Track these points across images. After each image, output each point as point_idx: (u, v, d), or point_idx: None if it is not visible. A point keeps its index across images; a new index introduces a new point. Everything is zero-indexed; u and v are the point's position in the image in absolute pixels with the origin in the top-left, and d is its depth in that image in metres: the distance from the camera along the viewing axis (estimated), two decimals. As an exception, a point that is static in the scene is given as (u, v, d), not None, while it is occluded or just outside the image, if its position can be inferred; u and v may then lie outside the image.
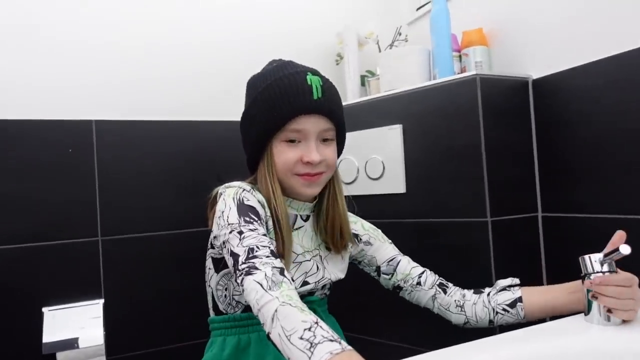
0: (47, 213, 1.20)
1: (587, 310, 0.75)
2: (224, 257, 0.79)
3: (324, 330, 0.58)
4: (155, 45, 1.38)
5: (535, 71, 1.16)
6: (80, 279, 1.22)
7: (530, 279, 1.12)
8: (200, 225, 1.36)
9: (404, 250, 0.97)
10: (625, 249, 0.66)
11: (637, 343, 0.67)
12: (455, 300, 0.90)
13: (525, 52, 1.20)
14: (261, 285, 0.64)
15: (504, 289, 0.89)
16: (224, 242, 0.74)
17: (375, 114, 1.25)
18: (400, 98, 1.21)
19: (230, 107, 1.45)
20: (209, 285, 0.88)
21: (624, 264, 0.73)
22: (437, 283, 0.93)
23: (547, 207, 1.14)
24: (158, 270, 1.31)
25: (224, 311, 0.85)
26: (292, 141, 0.81)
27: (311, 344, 0.56)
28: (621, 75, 0.96)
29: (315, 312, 0.87)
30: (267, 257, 0.69)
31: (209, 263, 0.87)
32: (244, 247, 0.70)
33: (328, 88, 0.83)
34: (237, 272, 0.68)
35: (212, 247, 0.85)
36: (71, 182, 1.23)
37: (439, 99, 1.13)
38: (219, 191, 0.83)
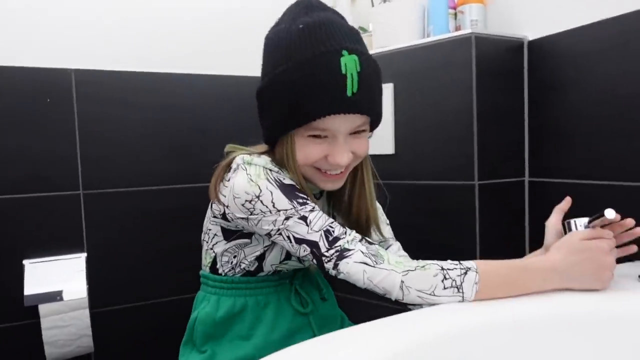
0: (26, 164, 1.16)
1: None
2: (239, 230, 0.76)
3: (452, 268, 0.64)
4: (138, -9, 1.32)
5: (532, 32, 1.12)
6: (62, 233, 1.20)
7: (513, 243, 1.13)
8: (186, 182, 1.35)
9: (392, 212, 0.97)
10: (610, 214, 0.66)
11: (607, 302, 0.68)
12: None
13: (522, 12, 1.16)
14: (366, 264, 0.64)
15: None
16: (276, 230, 0.68)
17: (366, 71, 1.22)
18: (392, 56, 1.17)
19: (217, 61, 1.41)
20: (211, 249, 0.82)
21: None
22: None
23: (534, 172, 1.13)
24: (142, 226, 1.30)
25: (223, 274, 0.81)
26: (317, 136, 0.71)
27: (457, 288, 0.63)
28: (619, 39, 0.93)
29: (314, 277, 0.87)
30: (345, 233, 0.67)
31: (215, 230, 0.80)
32: (317, 232, 0.66)
33: (366, 75, 0.68)
34: (324, 258, 0.66)
35: (225, 219, 0.77)
36: (50, 133, 1.19)
37: (433, 57, 1.10)
38: (238, 164, 0.72)
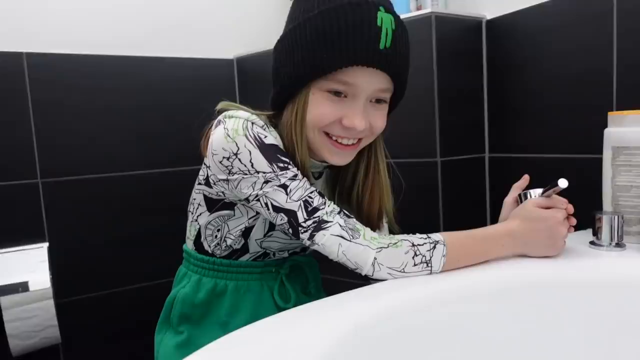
0: (-21, 154, 1.12)
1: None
2: (221, 199, 0.73)
3: (422, 243, 0.65)
4: (91, -30, 1.27)
5: (490, 11, 1.15)
6: (22, 223, 1.17)
7: (475, 217, 1.17)
8: (149, 168, 1.32)
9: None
10: (563, 183, 0.69)
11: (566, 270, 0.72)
12: None
13: (481, -9, 1.18)
14: (343, 237, 0.64)
15: None
16: (255, 196, 0.65)
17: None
18: (355, 36, 1.17)
19: (178, 43, 1.38)
20: (196, 221, 0.78)
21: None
22: None
23: (493, 147, 1.17)
24: (105, 213, 1.27)
25: (209, 251, 0.78)
26: (336, 93, 0.65)
27: (426, 263, 0.65)
28: (572, 17, 0.96)
29: (302, 271, 0.82)
30: (325, 204, 0.66)
31: (199, 199, 0.76)
32: (295, 201, 0.64)
33: (400, 35, 0.64)
34: (301, 228, 0.64)
35: (208, 185, 0.73)
36: (3, 120, 1.14)
37: (394, 37, 1.11)
38: (219, 119, 0.68)
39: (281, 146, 0.68)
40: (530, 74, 1.06)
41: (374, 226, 0.78)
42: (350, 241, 0.64)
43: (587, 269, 0.71)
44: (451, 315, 0.64)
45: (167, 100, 1.35)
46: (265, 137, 0.66)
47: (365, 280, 0.68)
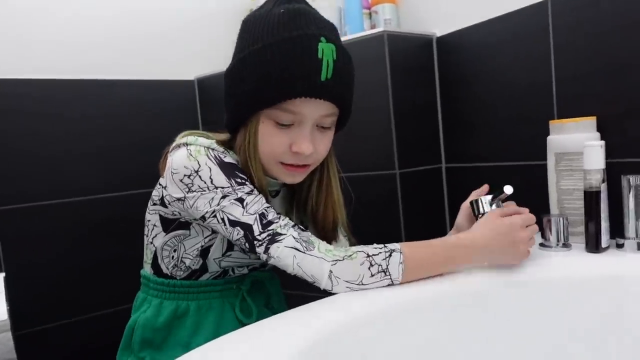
0: None
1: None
2: (177, 219, 0.74)
3: (377, 253, 0.66)
4: (45, -5, 1.26)
5: (440, 29, 1.21)
6: (-25, 254, 1.13)
7: (435, 225, 1.21)
8: (107, 192, 1.31)
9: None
10: (508, 189, 0.73)
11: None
12: None
13: (430, 10, 1.24)
14: (297, 249, 0.64)
15: None
16: (212, 212, 0.66)
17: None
18: (312, 55, 1.21)
19: (138, 65, 1.38)
20: (151, 243, 0.79)
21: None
22: None
23: (449, 158, 1.22)
24: (65, 240, 1.24)
25: (168, 274, 0.78)
26: (282, 125, 0.68)
27: (384, 272, 0.65)
28: (512, 33, 1.03)
29: (264, 286, 0.83)
30: (279, 218, 0.67)
31: (154, 220, 0.77)
32: (251, 214, 0.66)
33: (341, 64, 0.67)
34: (256, 242, 0.65)
35: (163, 205, 0.74)
36: (-46, 148, 1.11)
37: (349, 55, 1.15)
38: (179, 143, 0.71)
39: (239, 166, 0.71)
40: (480, 87, 1.12)
41: (330, 237, 0.80)
42: (304, 253, 0.64)
43: (537, 269, 0.75)
44: (409, 324, 0.66)
45: (128, 123, 1.34)
46: (225, 156, 0.70)
47: (329, 294, 0.69)
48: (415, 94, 1.17)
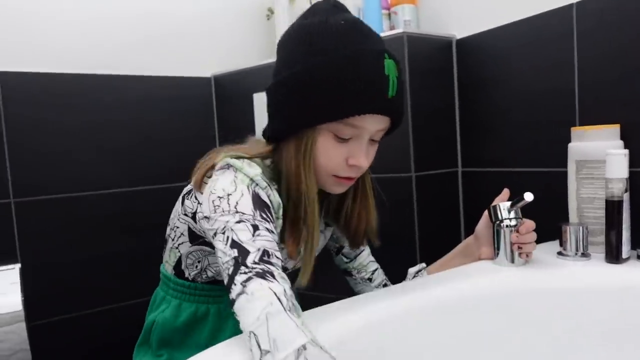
0: (-52, 174, 1.10)
1: (495, 254, 0.82)
2: (203, 236, 0.73)
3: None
4: (67, -10, 1.27)
5: (459, 31, 1.19)
6: (-7, 244, 1.14)
7: (450, 229, 1.20)
8: (123, 186, 1.32)
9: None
10: (529, 196, 0.72)
11: (538, 281, 0.74)
12: None
13: (451, 12, 1.23)
14: (280, 301, 0.52)
15: (414, 276, 0.88)
16: (222, 229, 0.60)
17: (305, 70, 1.24)
18: (330, 55, 1.20)
19: (156, 61, 1.39)
20: (177, 248, 0.77)
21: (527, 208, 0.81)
22: (383, 284, 0.92)
23: (466, 162, 1.21)
24: (80, 232, 1.25)
25: (190, 278, 0.77)
26: (341, 139, 0.67)
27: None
28: (534, 37, 1.01)
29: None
30: (280, 268, 0.58)
31: (182, 228, 0.76)
32: (256, 245, 0.58)
33: (401, 82, 0.67)
34: (244, 267, 0.55)
35: (194, 219, 0.73)
36: (-25, 139, 1.13)
37: (368, 56, 1.14)
38: (226, 163, 0.67)
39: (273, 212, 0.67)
40: (499, 91, 1.10)
41: (359, 243, 0.81)
42: (286, 311, 0.52)
43: (554, 278, 0.74)
44: (425, 326, 0.66)
45: (144, 119, 1.35)
46: (262, 197, 0.66)
47: (346, 295, 0.69)
48: (434, 96, 1.16)
